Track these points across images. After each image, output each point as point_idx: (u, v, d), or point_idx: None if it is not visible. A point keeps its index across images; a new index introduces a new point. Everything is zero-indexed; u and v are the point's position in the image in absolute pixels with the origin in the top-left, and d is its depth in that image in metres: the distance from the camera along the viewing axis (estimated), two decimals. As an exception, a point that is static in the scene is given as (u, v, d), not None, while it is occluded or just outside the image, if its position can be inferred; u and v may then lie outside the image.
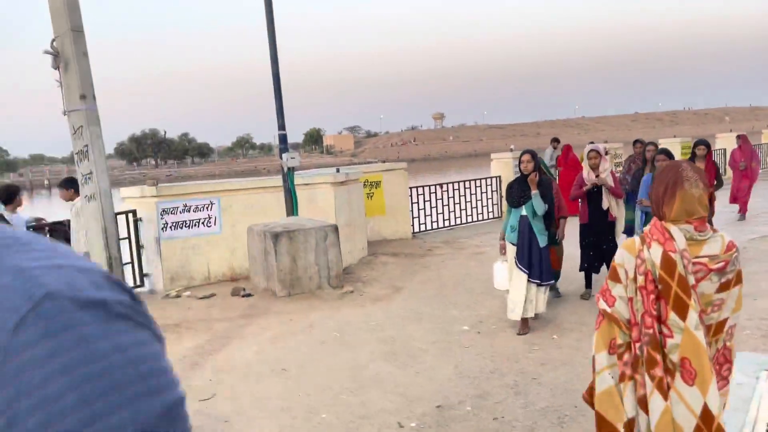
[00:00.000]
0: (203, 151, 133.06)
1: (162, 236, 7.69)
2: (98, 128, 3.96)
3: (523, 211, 5.52)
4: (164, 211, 7.70)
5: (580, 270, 6.71)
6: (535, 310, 5.55)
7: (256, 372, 4.92)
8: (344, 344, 5.52)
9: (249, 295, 7.30)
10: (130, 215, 7.76)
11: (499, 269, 5.86)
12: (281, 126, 7.45)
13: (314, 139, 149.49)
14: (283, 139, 7.49)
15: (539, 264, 5.48)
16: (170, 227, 7.76)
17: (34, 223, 6.46)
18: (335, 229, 7.50)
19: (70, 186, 6.33)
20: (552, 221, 5.74)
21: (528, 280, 5.46)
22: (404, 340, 5.55)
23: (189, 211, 7.91)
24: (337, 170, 9.23)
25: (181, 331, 6.03)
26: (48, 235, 6.70)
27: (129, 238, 7.75)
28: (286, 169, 7.39)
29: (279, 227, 7.35)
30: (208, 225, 8.06)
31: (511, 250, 5.61)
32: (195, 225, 7.96)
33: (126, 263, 7.71)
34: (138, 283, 7.87)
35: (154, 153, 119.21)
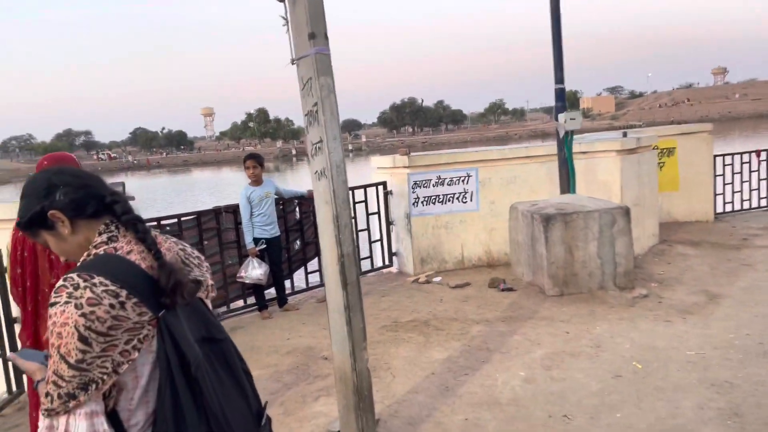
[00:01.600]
0: (456, 118, 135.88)
1: (413, 212, 6.76)
2: (330, 79, 2.90)
3: None
4: (416, 184, 6.74)
5: None
6: None
7: (526, 415, 3.57)
8: (651, 384, 3.85)
9: (510, 289, 5.97)
10: (381, 188, 6.98)
11: None
12: (559, 79, 5.85)
13: (570, 102, 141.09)
14: (560, 95, 5.89)
15: None
16: (422, 202, 6.78)
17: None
18: (626, 212, 5.70)
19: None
20: None
21: None
22: (753, 391, 3.65)
23: (443, 185, 6.83)
24: (624, 134, 7.28)
25: (430, 333, 4.97)
26: (297, 208, 6.19)
27: (379, 212, 6.98)
28: (562, 134, 5.79)
29: (551, 208, 5.82)
30: (464, 201, 6.89)
31: None
32: (449, 200, 6.86)
33: (375, 240, 6.99)
34: (386, 262, 7.10)
35: (411, 121, 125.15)
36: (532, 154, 7.00)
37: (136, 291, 1.39)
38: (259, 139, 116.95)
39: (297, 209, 6.13)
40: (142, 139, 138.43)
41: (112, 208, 1.51)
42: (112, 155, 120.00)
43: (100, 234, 1.48)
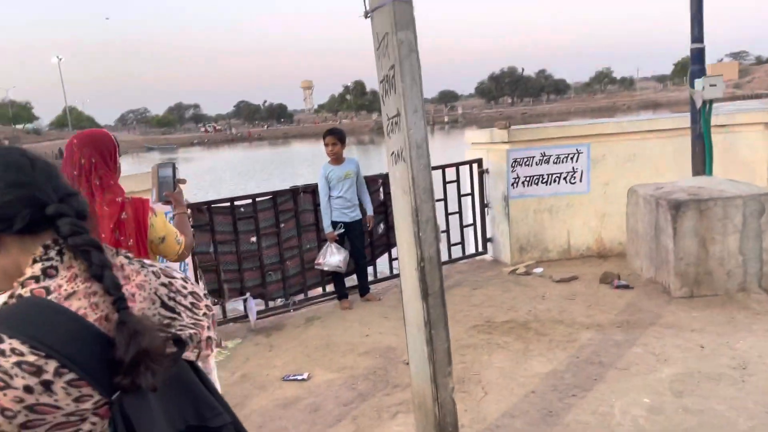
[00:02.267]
0: (559, 88, 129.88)
1: (511, 194, 6.00)
2: (412, 35, 2.27)
3: None
4: (516, 162, 5.96)
5: None
6: None
7: (654, 461, 2.83)
8: (823, 429, 2.97)
9: (626, 286, 5.11)
10: (475, 166, 6.25)
11: None
12: (697, 38, 4.83)
13: (686, 69, 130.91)
14: (698, 56, 4.87)
15: None
16: (522, 183, 6.00)
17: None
18: (780, 199, 4.66)
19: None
20: None
21: None
22: None
23: (548, 163, 6.00)
24: (773, 104, 6.08)
25: (530, 338, 4.27)
26: (381, 188, 5.63)
27: (473, 194, 6.28)
28: (699, 103, 4.80)
29: (681, 192, 4.88)
30: (572, 181, 6.03)
31: None
32: (554, 181, 6.03)
33: (468, 225, 6.30)
34: (480, 249, 6.40)
35: (511, 91, 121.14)
36: (656, 127, 5.99)
37: (75, 361, 0.84)
38: (356, 112, 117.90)
39: (381, 189, 5.57)
40: (246, 112, 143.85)
41: (55, 222, 0.97)
42: (217, 127, 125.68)
43: (34, 262, 0.95)
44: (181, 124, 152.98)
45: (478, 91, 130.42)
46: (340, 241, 5.08)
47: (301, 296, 5.28)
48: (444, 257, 6.17)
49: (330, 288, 5.38)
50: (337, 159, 5.05)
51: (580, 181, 6.04)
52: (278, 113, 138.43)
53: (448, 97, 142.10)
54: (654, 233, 5.00)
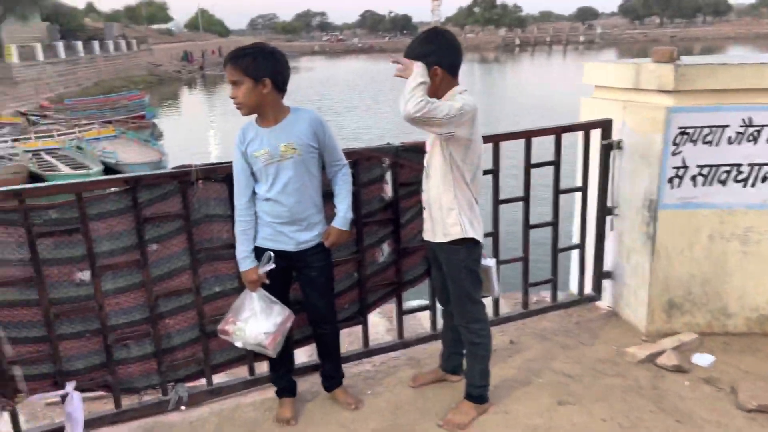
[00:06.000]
0: (719, 9, 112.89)
1: (665, 197, 2.94)
2: None
3: None
4: (685, 134, 2.86)
5: None
6: None
7: None
8: None
9: None
10: (596, 134, 3.19)
11: None
12: None
13: None
14: None
15: None
16: (694, 177, 2.91)
17: None
18: None
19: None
20: None
21: None
22: None
23: (753, 140, 2.84)
24: None
25: None
26: (387, 174, 2.81)
27: (584, 188, 3.26)
28: None
29: None
30: (806, 185, 2.85)
31: None
32: (763, 179, 2.88)
33: (567, 248, 3.35)
34: (588, 290, 3.44)
35: (661, 10, 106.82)
36: None
37: None
38: (483, 27, 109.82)
39: (387, 176, 2.74)
40: (370, 21, 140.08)
41: None
42: (340, 37, 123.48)
43: None
44: (308, 31, 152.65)
45: (622, 10, 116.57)
46: (274, 284, 2.39)
47: (203, 381, 2.70)
48: (506, 309, 3.34)
49: (263, 367, 2.76)
50: (262, 115, 2.28)
51: (825, 184, 2.83)
52: (402, 24, 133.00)
53: (586, 15, 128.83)
54: None
